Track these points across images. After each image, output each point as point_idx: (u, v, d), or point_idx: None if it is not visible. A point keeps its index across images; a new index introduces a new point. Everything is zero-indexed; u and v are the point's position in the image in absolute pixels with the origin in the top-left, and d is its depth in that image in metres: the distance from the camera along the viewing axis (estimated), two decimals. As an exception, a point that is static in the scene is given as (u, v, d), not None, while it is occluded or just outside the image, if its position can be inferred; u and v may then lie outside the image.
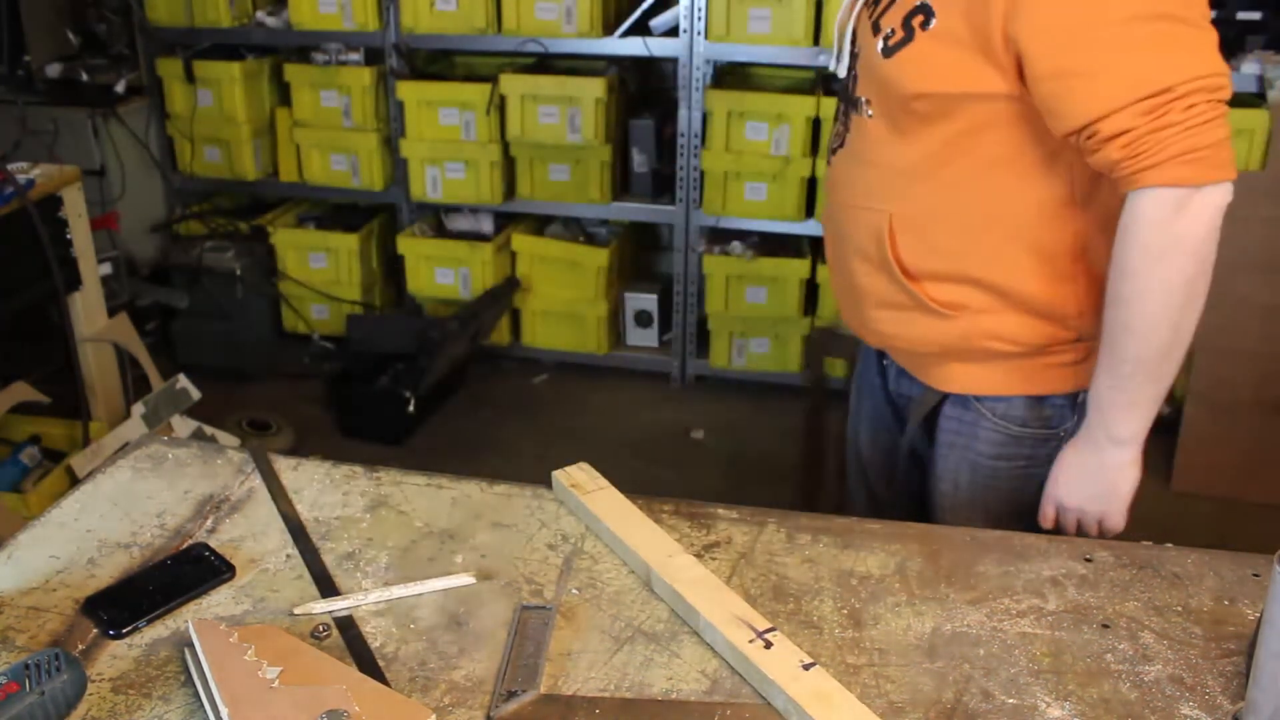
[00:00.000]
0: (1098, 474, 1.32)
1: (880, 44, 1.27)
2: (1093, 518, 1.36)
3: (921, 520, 1.35)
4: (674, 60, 3.40)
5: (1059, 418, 1.40)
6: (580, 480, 1.32)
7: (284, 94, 3.79)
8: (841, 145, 1.41)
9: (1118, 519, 1.35)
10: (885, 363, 1.57)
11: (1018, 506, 1.44)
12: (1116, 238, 1.20)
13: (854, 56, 1.37)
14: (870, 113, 1.33)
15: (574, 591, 1.17)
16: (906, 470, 1.60)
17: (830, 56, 1.44)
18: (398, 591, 1.16)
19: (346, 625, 1.11)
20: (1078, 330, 1.35)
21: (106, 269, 3.21)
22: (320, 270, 3.83)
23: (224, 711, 0.94)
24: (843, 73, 1.38)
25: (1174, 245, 1.16)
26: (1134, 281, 1.20)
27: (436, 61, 3.84)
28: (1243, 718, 0.95)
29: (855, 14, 1.35)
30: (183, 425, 2.92)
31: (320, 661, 1.03)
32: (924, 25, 1.22)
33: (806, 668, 1.01)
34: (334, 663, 1.03)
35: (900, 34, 1.24)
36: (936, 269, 1.34)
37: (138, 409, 2.78)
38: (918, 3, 1.23)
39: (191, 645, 1.06)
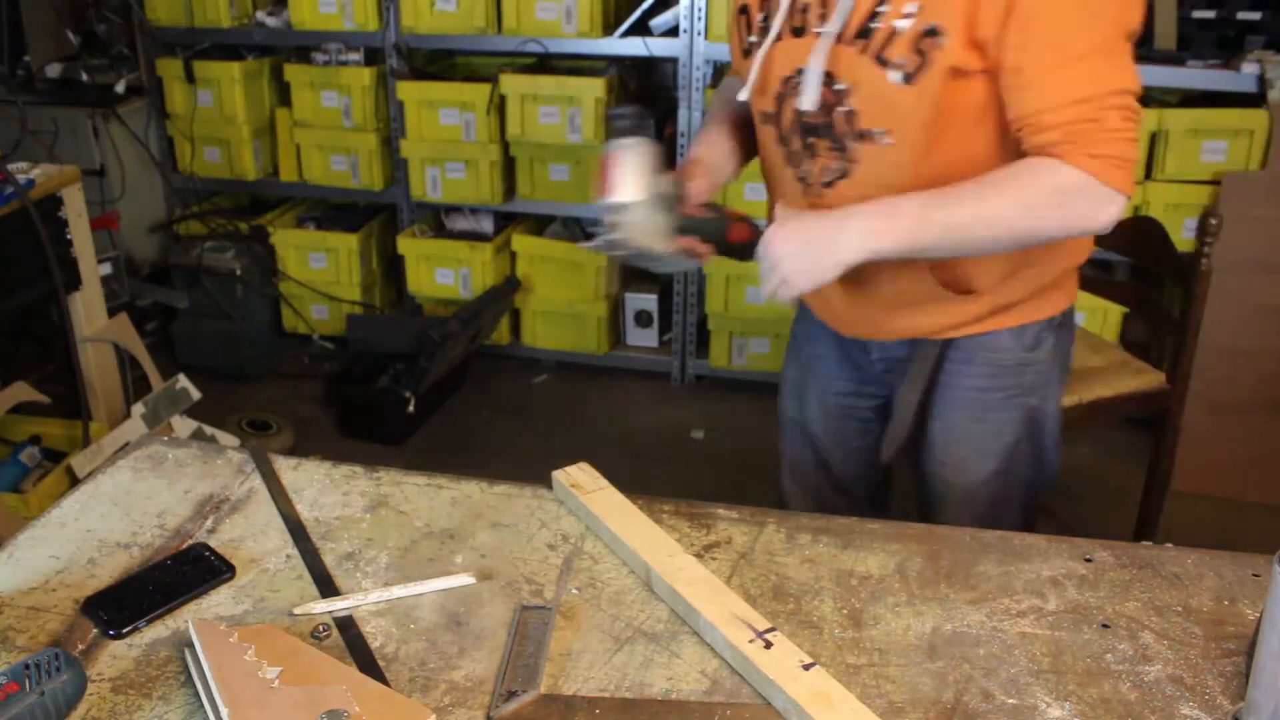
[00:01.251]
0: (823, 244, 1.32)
1: (896, 75, 1.28)
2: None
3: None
4: (674, 60, 3.40)
5: (1037, 341, 1.50)
6: (580, 480, 1.32)
7: (284, 94, 3.78)
8: (844, 176, 1.40)
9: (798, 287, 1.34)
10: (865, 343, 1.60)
11: (1003, 435, 1.53)
12: (1027, 165, 1.27)
13: (836, 92, 1.35)
14: (890, 140, 1.34)
15: (574, 591, 1.17)
16: (862, 435, 1.69)
17: (745, 89, 1.44)
18: (398, 591, 1.16)
19: (346, 625, 1.11)
20: (1053, 263, 1.46)
21: (106, 269, 3.21)
22: (320, 270, 3.83)
23: (224, 712, 0.94)
24: (809, 106, 1.36)
25: (1066, 222, 1.28)
26: (1015, 207, 1.27)
27: (436, 61, 3.84)
28: (1242, 718, 0.95)
29: (824, 50, 1.32)
30: (183, 425, 2.92)
31: (320, 662, 1.03)
32: (937, 45, 1.25)
33: (806, 668, 1.01)
34: (334, 663, 1.03)
35: (917, 59, 1.26)
36: (967, 260, 1.42)
37: (138, 409, 2.78)
38: (926, 26, 1.24)
39: (191, 645, 1.06)
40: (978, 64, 1.26)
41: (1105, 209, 1.26)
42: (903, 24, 1.26)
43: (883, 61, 1.28)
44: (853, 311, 1.52)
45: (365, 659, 1.06)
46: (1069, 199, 1.25)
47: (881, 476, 1.76)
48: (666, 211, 1.38)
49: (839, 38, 1.31)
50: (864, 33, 1.29)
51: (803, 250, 1.32)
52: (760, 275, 1.36)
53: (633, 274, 3.92)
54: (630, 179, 1.34)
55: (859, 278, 1.41)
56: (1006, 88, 1.27)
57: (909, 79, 1.27)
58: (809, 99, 1.34)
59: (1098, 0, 1.23)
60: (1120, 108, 1.24)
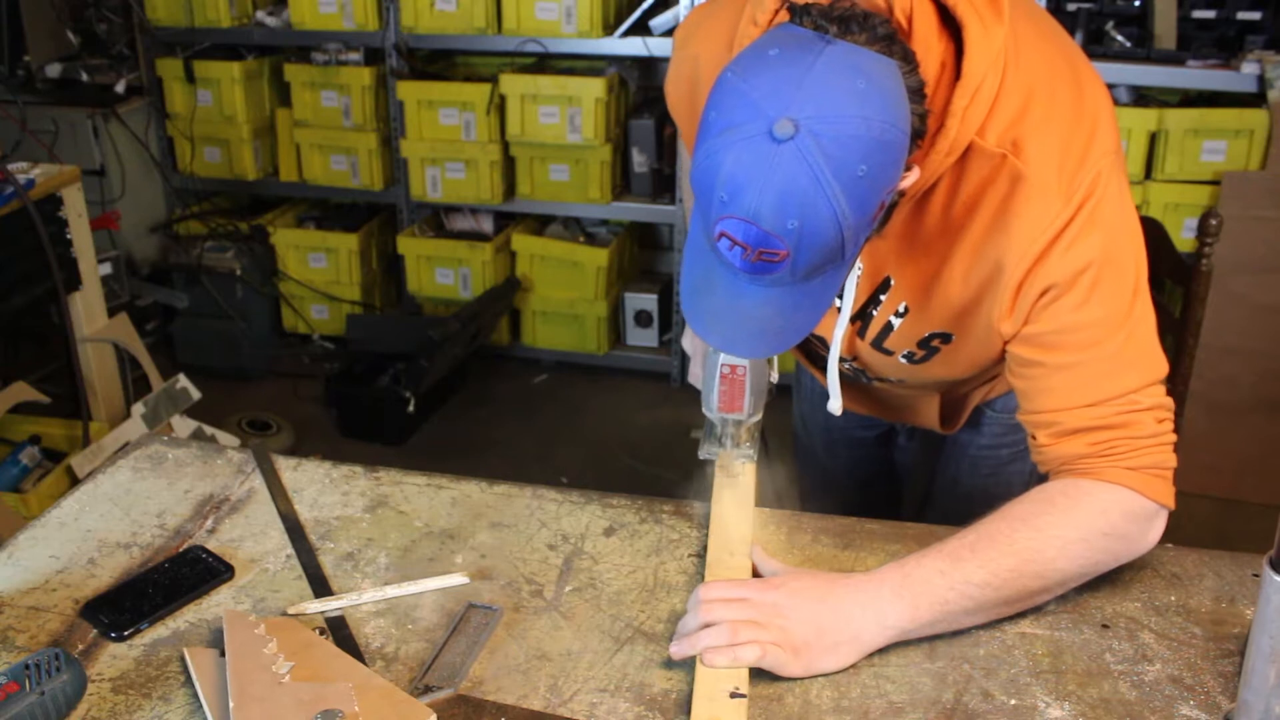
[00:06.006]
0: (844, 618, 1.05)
1: (901, 359, 1.27)
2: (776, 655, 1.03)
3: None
4: (674, 60, 3.40)
5: None
6: (727, 462, 1.32)
7: (284, 94, 3.79)
8: (870, 382, 1.41)
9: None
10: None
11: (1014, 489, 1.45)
12: (1061, 494, 1.09)
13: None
14: (906, 380, 1.35)
15: (574, 591, 1.17)
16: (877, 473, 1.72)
17: None
18: (390, 592, 1.16)
19: (339, 625, 1.11)
20: None
21: (106, 269, 3.21)
22: (320, 270, 3.84)
23: (230, 704, 0.95)
24: (832, 410, 1.26)
25: (1117, 553, 1.11)
26: (1059, 546, 1.07)
27: (436, 61, 3.84)
28: (1234, 718, 0.95)
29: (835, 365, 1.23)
30: (183, 425, 2.92)
31: (333, 657, 1.03)
32: (945, 342, 1.22)
33: (733, 696, 0.99)
34: (345, 658, 1.03)
35: (921, 353, 1.25)
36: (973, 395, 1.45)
37: (138, 409, 2.78)
38: (929, 332, 1.21)
39: (190, 646, 1.06)
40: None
41: (1153, 527, 1.11)
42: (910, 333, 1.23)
43: (886, 352, 1.27)
44: (853, 405, 1.49)
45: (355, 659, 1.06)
46: (1117, 525, 1.09)
47: (886, 490, 1.77)
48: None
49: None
50: (867, 334, 1.26)
51: (815, 615, 1.04)
52: (724, 630, 1.02)
53: (632, 274, 3.92)
54: (752, 393, 1.25)
55: (857, 391, 1.41)
56: (1017, 375, 1.13)
57: (914, 359, 1.27)
58: (834, 405, 1.24)
59: (1115, 276, 1.06)
60: (1153, 408, 1.09)
